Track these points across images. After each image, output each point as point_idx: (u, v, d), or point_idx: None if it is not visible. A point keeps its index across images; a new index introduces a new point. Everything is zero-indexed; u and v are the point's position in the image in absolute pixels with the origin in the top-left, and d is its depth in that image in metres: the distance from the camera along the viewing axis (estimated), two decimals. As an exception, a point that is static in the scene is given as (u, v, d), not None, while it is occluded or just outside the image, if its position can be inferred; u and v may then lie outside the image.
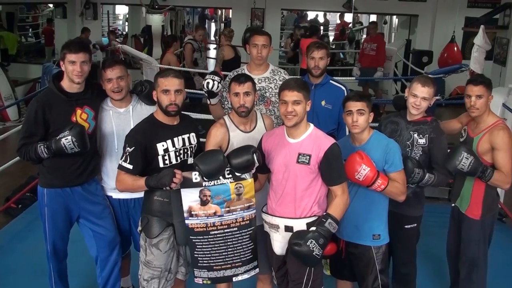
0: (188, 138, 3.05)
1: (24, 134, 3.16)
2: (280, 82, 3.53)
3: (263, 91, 3.59)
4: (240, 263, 3.00)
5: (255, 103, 3.15)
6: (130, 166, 2.86)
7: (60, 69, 3.21)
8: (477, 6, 11.12)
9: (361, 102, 2.97)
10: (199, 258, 2.97)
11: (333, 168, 2.78)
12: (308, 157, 2.78)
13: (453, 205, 3.52)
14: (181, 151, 3.01)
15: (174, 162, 2.97)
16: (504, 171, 3.19)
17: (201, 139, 3.17)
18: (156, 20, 9.96)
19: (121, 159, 2.91)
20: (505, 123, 3.37)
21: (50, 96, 3.18)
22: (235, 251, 2.97)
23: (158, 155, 2.92)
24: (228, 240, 2.95)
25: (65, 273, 3.56)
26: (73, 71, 3.09)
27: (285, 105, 2.78)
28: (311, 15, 18.59)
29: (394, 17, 15.43)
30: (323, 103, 3.75)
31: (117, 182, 2.95)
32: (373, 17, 15.32)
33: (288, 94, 2.78)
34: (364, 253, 3.06)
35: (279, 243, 2.92)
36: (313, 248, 2.66)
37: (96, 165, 3.38)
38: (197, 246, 2.95)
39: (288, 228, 2.85)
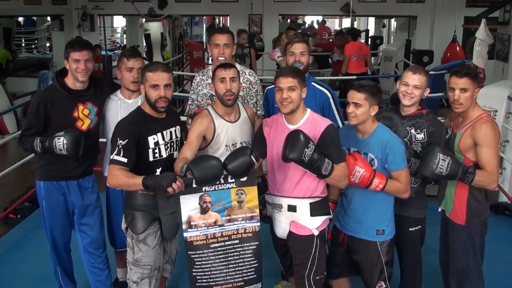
0: (175, 131, 3.03)
1: (26, 126, 3.22)
2: (244, 85, 3.43)
3: None
4: (242, 283, 2.87)
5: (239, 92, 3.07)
6: (125, 159, 2.76)
7: (64, 67, 3.24)
8: (476, 5, 11.06)
9: (360, 94, 2.82)
10: (197, 277, 2.82)
11: (330, 148, 2.75)
12: None
13: (439, 209, 3.21)
14: (169, 145, 2.97)
15: (164, 155, 2.92)
16: (489, 170, 2.86)
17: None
18: (154, 28, 9.95)
19: (112, 153, 2.79)
20: (490, 116, 3.08)
21: (53, 91, 3.23)
22: (236, 268, 2.85)
23: (149, 148, 2.87)
24: (229, 254, 2.83)
25: (69, 266, 3.53)
26: (77, 69, 3.13)
27: (281, 92, 2.79)
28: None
29: (393, 20, 15.41)
30: None
31: (110, 177, 2.80)
32: (371, 20, 15.31)
33: (283, 80, 2.78)
34: (368, 248, 2.98)
35: (281, 223, 2.94)
36: (308, 152, 2.58)
37: (94, 159, 3.41)
38: (196, 263, 2.81)
39: (291, 208, 2.87)
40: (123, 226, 2.98)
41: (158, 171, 2.88)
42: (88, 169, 3.36)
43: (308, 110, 2.88)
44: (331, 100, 3.42)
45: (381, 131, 2.93)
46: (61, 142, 3.05)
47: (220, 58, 3.37)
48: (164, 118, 2.96)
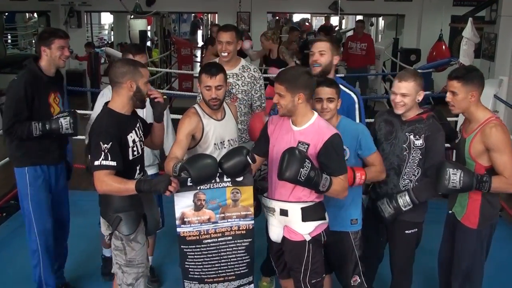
0: (140, 127, 2.92)
1: (14, 112, 3.17)
2: (248, 79, 3.52)
3: (230, 87, 3.48)
4: (234, 277, 2.87)
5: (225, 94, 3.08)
6: (114, 163, 2.61)
7: (34, 56, 3.31)
8: (462, 4, 11.15)
9: (331, 89, 2.91)
10: (190, 269, 2.82)
11: (332, 159, 2.70)
12: (306, 146, 2.72)
13: (449, 212, 3.14)
14: (140, 141, 2.92)
15: (140, 152, 2.86)
16: (506, 175, 2.79)
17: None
18: (134, 26, 9.92)
19: (97, 159, 2.61)
20: (499, 119, 2.99)
21: (33, 75, 3.24)
22: (228, 263, 2.84)
23: (129, 147, 2.77)
24: (222, 250, 2.82)
25: (52, 257, 3.55)
26: (61, 56, 3.25)
27: (275, 97, 2.78)
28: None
29: (380, 18, 15.47)
30: None
31: (98, 183, 2.63)
32: (359, 18, 15.31)
33: (275, 86, 2.77)
34: (342, 240, 3.01)
35: (274, 227, 2.89)
36: (304, 172, 2.55)
37: (65, 146, 3.57)
38: (189, 257, 2.80)
39: (283, 212, 2.80)
40: (107, 231, 2.84)
41: (137, 168, 2.84)
42: (62, 155, 3.51)
43: (315, 113, 2.80)
44: (357, 105, 3.25)
45: (345, 122, 3.00)
46: (67, 121, 3.19)
47: (223, 54, 3.55)
48: (132, 115, 2.84)
